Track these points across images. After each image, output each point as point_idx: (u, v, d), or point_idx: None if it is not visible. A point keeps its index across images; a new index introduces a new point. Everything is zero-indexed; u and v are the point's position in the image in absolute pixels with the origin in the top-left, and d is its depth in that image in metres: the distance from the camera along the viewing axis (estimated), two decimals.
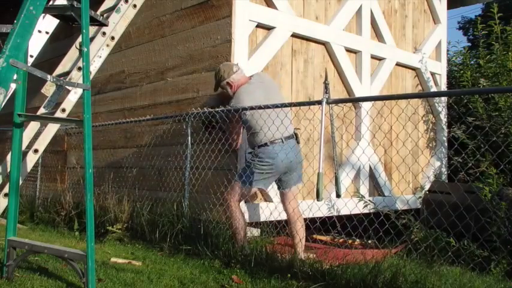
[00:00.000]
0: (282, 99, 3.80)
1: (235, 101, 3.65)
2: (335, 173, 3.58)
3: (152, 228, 3.98)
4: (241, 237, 3.52)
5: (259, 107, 3.45)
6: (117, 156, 5.38)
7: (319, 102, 3.19)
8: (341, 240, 4.51)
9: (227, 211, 3.59)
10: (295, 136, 3.65)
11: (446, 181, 5.93)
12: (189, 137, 4.16)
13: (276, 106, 3.45)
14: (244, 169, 3.62)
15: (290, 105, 3.53)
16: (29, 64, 4.01)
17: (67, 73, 3.81)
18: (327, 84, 3.36)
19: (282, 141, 3.52)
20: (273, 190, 4.10)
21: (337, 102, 3.38)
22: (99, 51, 3.97)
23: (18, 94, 2.79)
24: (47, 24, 4.93)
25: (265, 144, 3.52)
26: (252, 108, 3.49)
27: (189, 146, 4.16)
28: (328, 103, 3.22)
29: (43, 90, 4.19)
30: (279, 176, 3.63)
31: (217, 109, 3.76)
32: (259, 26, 4.45)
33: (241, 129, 3.82)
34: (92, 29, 3.95)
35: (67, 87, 3.50)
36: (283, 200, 3.72)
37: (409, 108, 5.36)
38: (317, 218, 3.80)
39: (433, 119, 6.26)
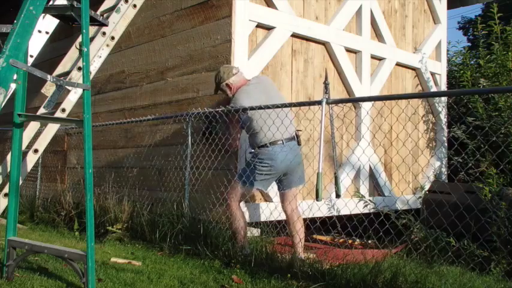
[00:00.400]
0: (282, 99, 3.80)
1: (234, 102, 3.65)
2: (335, 173, 3.57)
3: (152, 228, 3.98)
4: (242, 237, 3.52)
5: (259, 107, 3.45)
6: (118, 156, 5.38)
7: (319, 103, 3.19)
8: (341, 240, 4.51)
9: (227, 211, 3.60)
10: (296, 137, 3.64)
11: (446, 181, 5.93)
12: (190, 137, 4.16)
13: (276, 106, 3.45)
14: (244, 169, 3.62)
15: (290, 105, 3.53)
16: (29, 64, 4.02)
17: (67, 73, 3.81)
18: (327, 84, 3.35)
19: (283, 143, 3.51)
20: (273, 190, 4.10)
21: (337, 102, 3.38)
22: (99, 51, 3.98)
23: (18, 94, 2.79)
24: (47, 24, 4.95)
25: (265, 145, 3.51)
26: (252, 108, 3.49)
27: (189, 145, 4.16)
28: (328, 103, 3.22)
29: (43, 90, 4.20)
30: (278, 177, 3.63)
31: (217, 109, 3.76)
32: (259, 26, 4.45)
33: (241, 130, 3.82)
34: (92, 29, 3.95)
35: (67, 87, 3.50)
36: (282, 200, 3.72)
37: (409, 109, 5.35)
38: (317, 218, 3.80)
39: (433, 119, 6.26)
